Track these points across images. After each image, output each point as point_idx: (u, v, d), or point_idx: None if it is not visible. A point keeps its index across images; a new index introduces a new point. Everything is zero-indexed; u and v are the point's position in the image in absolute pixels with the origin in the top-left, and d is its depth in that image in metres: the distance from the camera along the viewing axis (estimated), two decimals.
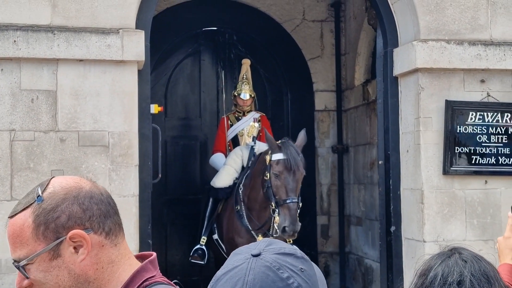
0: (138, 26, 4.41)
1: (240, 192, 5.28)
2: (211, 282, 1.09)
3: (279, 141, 4.88)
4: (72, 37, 4.11)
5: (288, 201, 4.66)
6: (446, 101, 4.78)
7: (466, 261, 1.43)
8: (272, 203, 4.68)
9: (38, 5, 4.12)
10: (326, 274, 7.68)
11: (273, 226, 4.96)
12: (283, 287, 1.01)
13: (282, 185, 4.72)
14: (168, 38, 7.23)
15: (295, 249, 1.10)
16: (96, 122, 4.19)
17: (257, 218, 5.11)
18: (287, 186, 4.72)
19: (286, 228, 4.62)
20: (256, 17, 7.46)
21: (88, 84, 4.18)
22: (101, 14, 4.22)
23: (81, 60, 4.15)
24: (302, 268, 1.05)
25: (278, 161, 4.76)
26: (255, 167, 5.12)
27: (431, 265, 1.45)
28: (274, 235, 4.94)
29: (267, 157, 4.81)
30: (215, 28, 7.46)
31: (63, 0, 4.16)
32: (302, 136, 5.03)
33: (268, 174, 4.76)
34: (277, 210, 4.66)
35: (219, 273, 1.08)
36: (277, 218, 4.66)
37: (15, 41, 4.02)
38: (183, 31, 7.34)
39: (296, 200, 4.72)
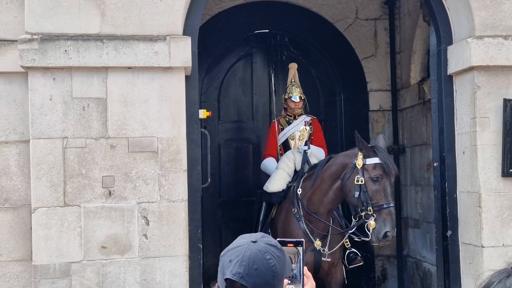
0: (186, 32, 4.44)
1: (299, 194, 5.21)
2: (223, 252, 1.71)
3: (369, 145, 4.80)
4: (120, 45, 4.18)
5: (387, 206, 4.61)
6: (505, 99, 4.57)
7: None
8: (370, 208, 4.59)
9: (87, 14, 4.21)
10: (383, 277, 7.52)
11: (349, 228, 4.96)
12: (265, 263, 1.64)
13: (381, 189, 4.64)
14: (220, 42, 7.26)
15: (277, 243, 1.73)
16: (145, 128, 4.24)
17: (317, 221, 5.04)
18: (385, 190, 4.65)
19: (388, 233, 4.58)
20: (307, 17, 7.38)
21: (136, 91, 4.24)
22: (148, 21, 4.26)
23: (129, 68, 4.21)
24: (279, 255, 1.68)
25: (375, 165, 4.68)
26: (325, 169, 5.01)
27: (489, 283, 1.43)
28: (363, 239, 4.85)
29: (359, 161, 4.69)
30: (267, 31, 7.43)
31: (112, 9, 4.24)
32: (382, 139, 4.93)
33: (362, 179, 4.65)
34: (374, 215, 4.58)
35: (229, 247, 1.70)
36: (372, 223, 4.57)
37: (66, 50, 4.12)
38: (235, 34, 7.34)
39: (393, 205, 4.67)
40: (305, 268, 1.84)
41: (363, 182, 4.64)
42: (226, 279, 1.64)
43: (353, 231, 4.97)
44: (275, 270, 1.64)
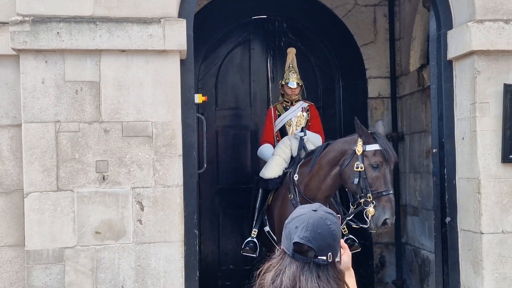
0: (181, 15, 4.36)
1: (295, 180, 5.14)
2: (287, 220, 1.96)
3: (369, 131, 4.75)
4: (114, 28, 4.10)
5: (387, 193, 4.57)
6: (505, 85, 4.50)
7: None
8: (369, 194, 4.54)
9: None
10: (381, 265, 7.48)
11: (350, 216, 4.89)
12: (327, 228, 1.89)
13: (381, 176, 4.59)
14: (218, 28, 7.18)
15: (332, 211, 1.97)
16: (139, 112, 4.17)
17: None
18: (385, 177, 4.60)
19: (388, 220, 4.54)
20: (306, 3, 7.28)
21: (130, 75, 4.17)
22: (143, 3, 4.18)
23: (123, 51, 4.14)
24: (336, 221, 1.94)
25: (375, 152, 4.62)
26: (323, 155, 4.95)
27: None
28: (361, 226, 4.79)
29: (358, 148, 4.64)
30: (265, 16, 7.33)
31: None
32: (381, 126, 4.88)
33: (361, 165, 4.59)
34: (373, 202, 4.53)
35: (293, 216, 1.95)
36: (371, 210, 4.53)
37: (58, 32, 4.04)
38: (233, 20, 7.25)
39: (392, 192, 4.63)
40: (342, 240, 1.98)
41: (363, 169, 4.58)
42: (294, 243, 1.87)
43: (351, 218, 4.91)
44: (335, 233, 1.90)
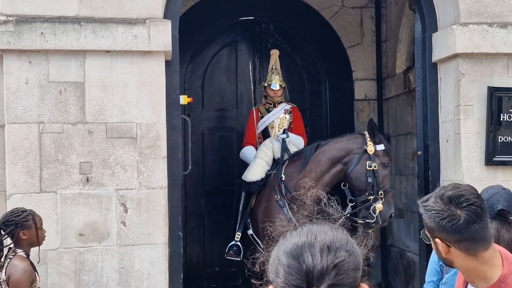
0: (166, 16, 4.35)
1: (283, 179, 5.16)
2: (487, 196, 2.67)
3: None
4: (98, 28, 4.08)
5: (391, 190, 4.98)
6: (489, 87, 4.54)
7: None
8: (380, 192, 4.87)
9: None
10: (367, 266, 7.50)
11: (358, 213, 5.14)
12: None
13: (387, 174, 4.98)
14: (205, 29, 7.16)
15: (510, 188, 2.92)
16: (123, 113, 4.15)
17: (305, 205, 5.01)
18: (389, 175, 5.03)
19: (393, 214, 4.97)
20: (293, 5, 7.29)
21: (115, 76, 4.15)
22: (128, 4, 4.17)
23: (108, 51, 4.12)
24: None
25: (384, 152, 5.00)
26: (320, 154, 5.06)
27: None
28: (367, 221, 4.98)
29: (370, 148, 4.93)
30: (252, 18, 7.33)
31: None
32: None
33: (375, 164, 4.91)
34: (382, 198, 4.87)
35: (491, 192, 2.74)
36: (380, 206, 4.85)
37: (42, 33, 4.01)
38: (220, 21, 7.24)
39: None
40: None
41: (376, 168, 4.88)
42: (499, 209, 2.68)
43: (349, 216, 4.99)
44: None
